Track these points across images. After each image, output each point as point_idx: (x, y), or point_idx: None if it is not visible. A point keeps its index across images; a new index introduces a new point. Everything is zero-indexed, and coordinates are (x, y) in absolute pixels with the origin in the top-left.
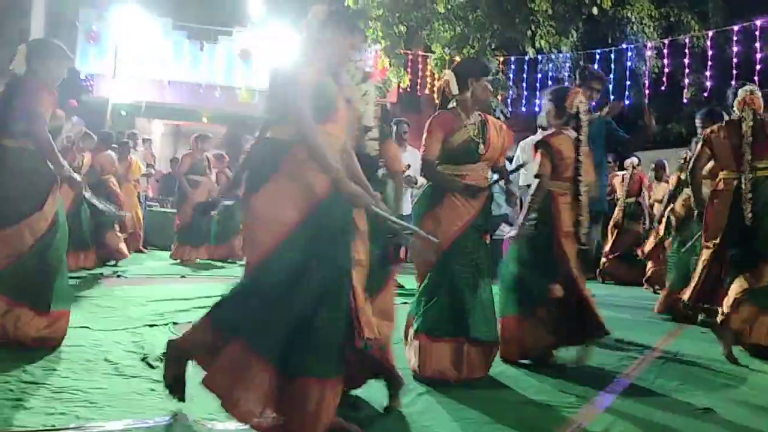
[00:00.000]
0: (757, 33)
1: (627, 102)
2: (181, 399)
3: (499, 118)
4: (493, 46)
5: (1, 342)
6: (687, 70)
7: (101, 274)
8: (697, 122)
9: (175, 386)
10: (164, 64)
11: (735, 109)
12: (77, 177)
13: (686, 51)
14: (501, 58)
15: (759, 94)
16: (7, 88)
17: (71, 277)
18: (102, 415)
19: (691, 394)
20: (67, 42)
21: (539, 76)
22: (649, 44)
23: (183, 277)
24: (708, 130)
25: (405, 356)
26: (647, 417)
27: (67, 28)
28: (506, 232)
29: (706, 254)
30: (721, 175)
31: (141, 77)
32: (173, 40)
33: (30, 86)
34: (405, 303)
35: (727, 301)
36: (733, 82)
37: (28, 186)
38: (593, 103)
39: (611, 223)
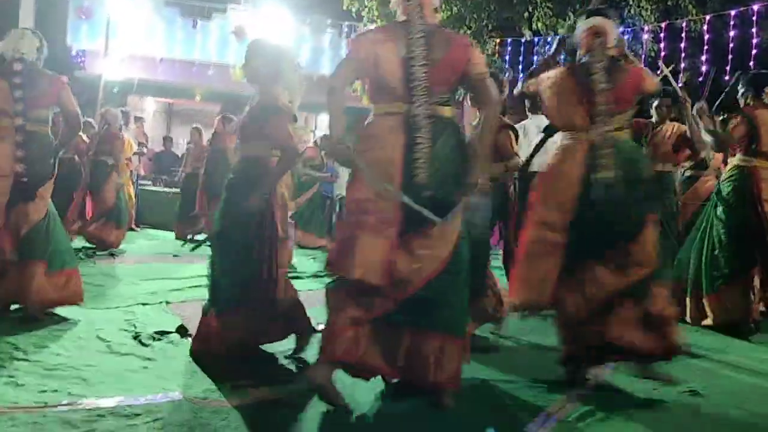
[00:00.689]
0: (755, 18)
1: None
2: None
3: None
4: (489, 28)
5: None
6: (683, 54)
7: (94, 252)
8: (656, 103)
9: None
10: (156, 41)
11: (765, 98)
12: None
13: (683, 35)
14: (497, 40)
15: None
16: (25, 78)
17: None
18: (94, 392)
19: (675, 377)
20: (57, 17)
21: (535, 58)
22: (646, 27)
23: (176, 256)
24: (752, 108)
25: None
26: (632, 396)
27: (57, 3)
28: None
29: None
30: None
31: (133, 54)
32: (166, 16)
33: (60, 85)
34: None
35: None
36: (728, 68)
37: (42, 163)
38: None
39: None
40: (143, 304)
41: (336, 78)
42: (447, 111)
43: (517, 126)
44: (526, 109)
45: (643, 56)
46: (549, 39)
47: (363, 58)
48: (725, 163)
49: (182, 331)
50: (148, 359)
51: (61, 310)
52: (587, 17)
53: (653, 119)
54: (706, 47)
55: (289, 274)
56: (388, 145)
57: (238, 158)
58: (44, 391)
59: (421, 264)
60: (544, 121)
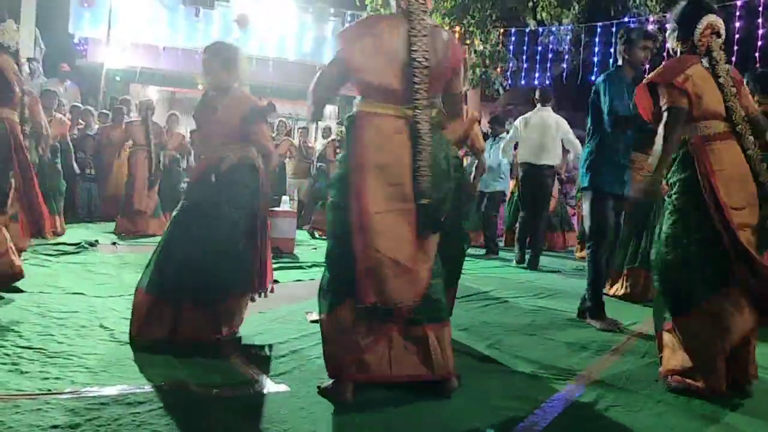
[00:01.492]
0: (760, 9)
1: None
2: None
3: (497, 91)
4: (493, 17)
5: None
6: None
7: (97, 241)
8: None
9: None
10: (159, 30)
11: None
12: None
13: None
14: (501, 30)
15: None
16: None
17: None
18: (97, 380)
19: None
20: (60, 4)
21: (539, 48)
22: (651, 18)
23: None
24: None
25: None
26: (637, 385)
27: None
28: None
29: None
30: None
31: (135, 43)
32: (168, 5)
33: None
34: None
35: None
36: (734, 59)
37: None
38: (648, 64)
39: None
40: None
41: (320, 85)
42: (436, 115)
43: (520, 118)
44: (534, 99)
45: None
46: (553, 29)
47: (354, 57)
48: None
49: None
50: (151, 347)
51: (63, 299)
52: (700, 12)
53: None
54: None
55: (291, 264)
56: (396, 148)
57: (219, 158)
58: (47, 379)
59: (428, 264)
60: (548, 113)
